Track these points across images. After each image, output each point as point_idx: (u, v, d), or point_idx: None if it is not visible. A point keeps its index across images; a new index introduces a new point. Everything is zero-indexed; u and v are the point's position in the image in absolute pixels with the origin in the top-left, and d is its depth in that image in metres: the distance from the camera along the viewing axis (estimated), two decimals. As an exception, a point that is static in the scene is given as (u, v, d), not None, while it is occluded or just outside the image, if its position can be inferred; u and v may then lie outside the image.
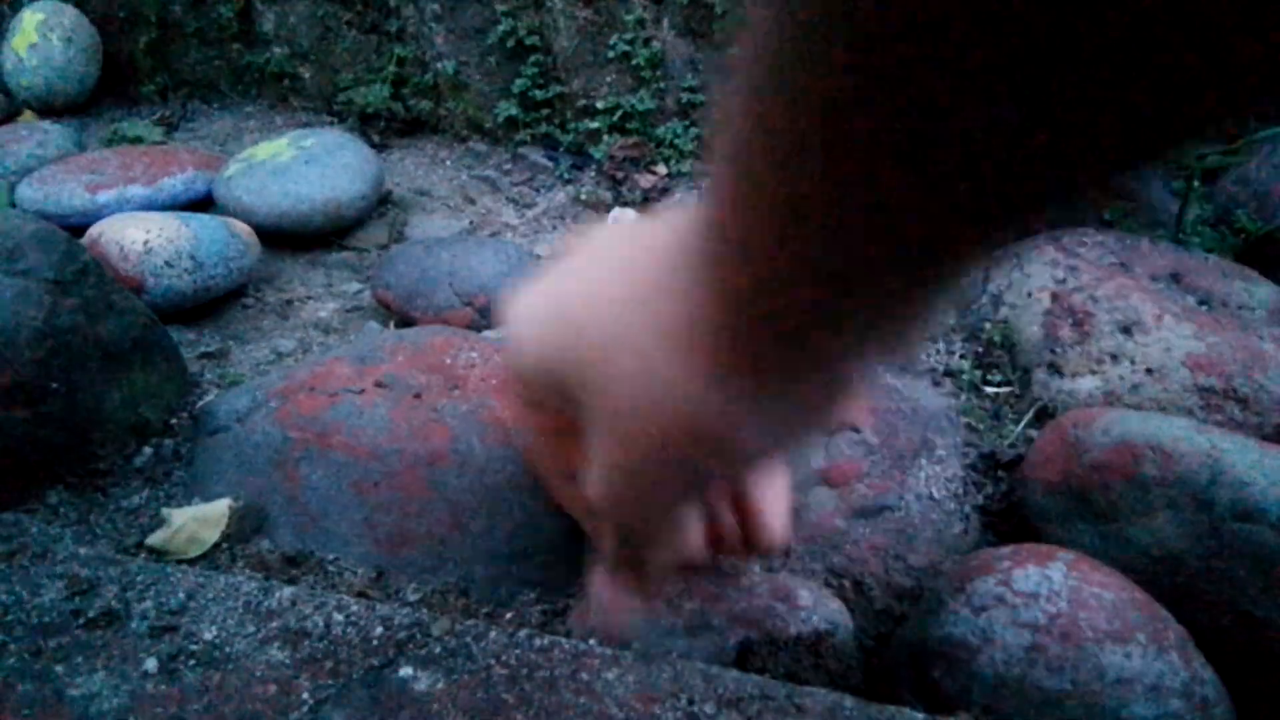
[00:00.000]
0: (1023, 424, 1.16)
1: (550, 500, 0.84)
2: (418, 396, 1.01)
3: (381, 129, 2.10)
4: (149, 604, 0.75)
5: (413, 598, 0.88)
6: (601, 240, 0.33)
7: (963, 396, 1.22)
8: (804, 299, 0.21)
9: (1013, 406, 1.20)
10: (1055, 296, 1.24)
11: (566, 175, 1.95)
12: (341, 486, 0.93)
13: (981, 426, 1.17)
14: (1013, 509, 1.03)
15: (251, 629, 0.73)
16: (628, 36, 1.91)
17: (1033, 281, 1.28)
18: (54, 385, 0.91)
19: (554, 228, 1.78)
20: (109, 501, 0.95)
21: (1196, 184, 1.42)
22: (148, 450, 1.01)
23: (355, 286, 1.56)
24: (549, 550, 0.93)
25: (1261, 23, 0.15)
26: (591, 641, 0.78)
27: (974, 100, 0.16)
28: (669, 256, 0.27)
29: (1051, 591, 0.75)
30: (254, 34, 2.21)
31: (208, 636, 0.72)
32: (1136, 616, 0.74)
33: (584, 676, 0.70)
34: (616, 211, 1.80)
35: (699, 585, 0.84)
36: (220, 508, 0.93)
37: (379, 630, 0.74)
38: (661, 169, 1.93)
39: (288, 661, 0.70)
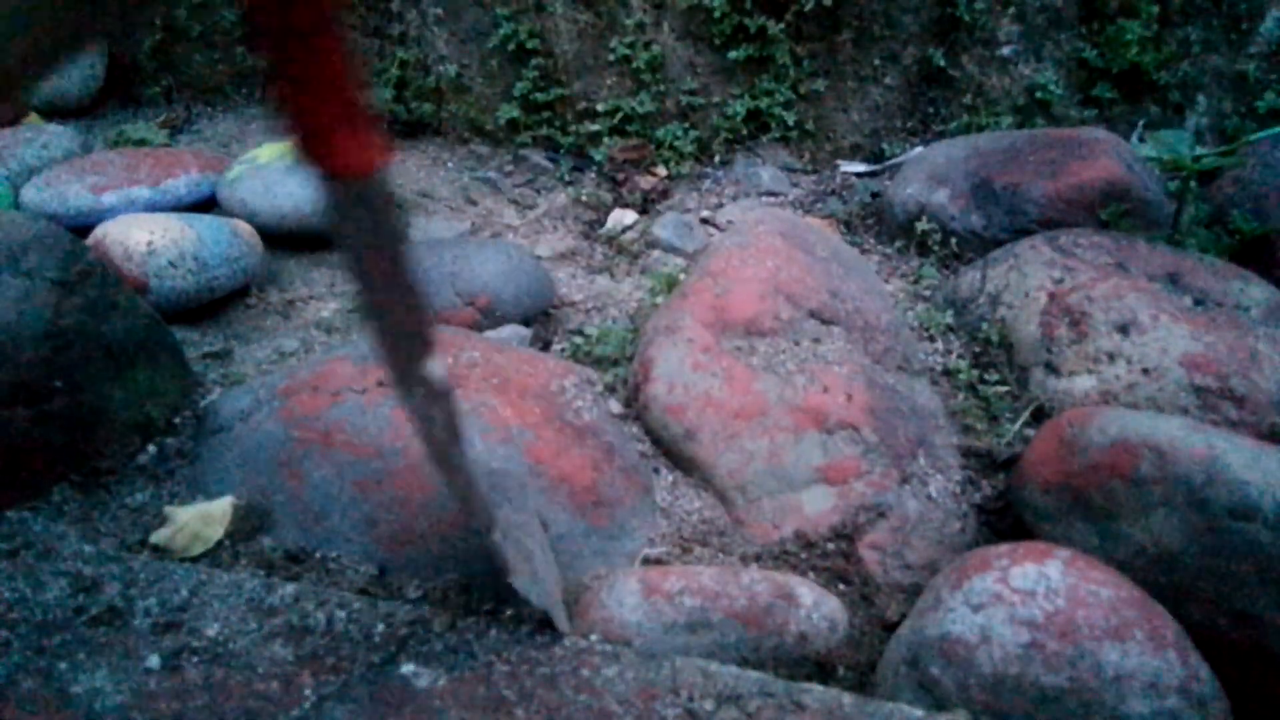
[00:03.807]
0: (1020, 423, 1.16)
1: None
2: (419, 396, 1.01)
3: (384, 131, 2.11)
4: (152, 601, 0.76)
5: (414, 595, 0.89)
6: None
7: (960, 396, 1.23)
8: None
9: (1010, 406, 1.21)
10: (1052, 296, 1.24)
11: (567, 177, 1.95)
12: (344, 485, 0.94)
13: (979, 426, 1.17)
14: (1010, 507, 1.04)
15: (254, 626, 0.74)
16: (628, 40, 1.92)
17: (1030, 281, 1.28)
18: (58, 384, 0.92)
19: (555, 229, 1.79)
20: (112, 499, 0.96)
21: (1193, 185, 1.42)
22: (151, 449, 1.02)
23: (357, 287, 1.57)
24: (550, 548, 0.94)
25: None
26: (593, 637, 0.78)
27: None
28: None
29: (1049, 589, 0.76)
30: (256, 37, 2.23)
31: (210, 633, 0.73)
32: (1134, 614, 0.75)
33: (584, 673, 0.70)
34: (617, 213, 1.81)
35: (701, 582, 0.85)
36: (223, 506, 0.94)
37: (381, 627, 0.74)
38: (661, 170, 1.94)
39: (290, 658, 0.71)
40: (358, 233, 0.50)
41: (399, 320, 0.57)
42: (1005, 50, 1.89)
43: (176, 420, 1.06)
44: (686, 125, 1.97)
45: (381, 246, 0.52)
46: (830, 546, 0.98)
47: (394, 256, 0.52)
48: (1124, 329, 1.16)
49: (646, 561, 0.96)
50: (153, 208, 1.60)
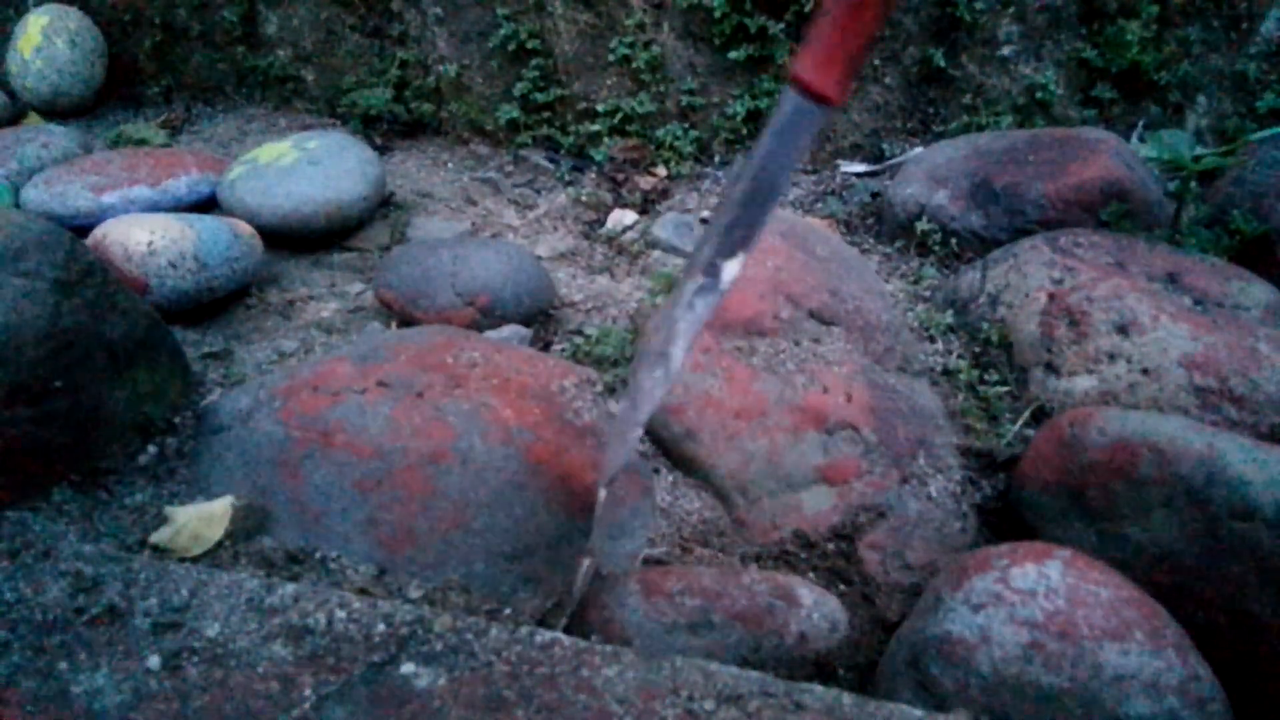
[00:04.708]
0: (1020, 423, 1.16)
1: None
2: (419, 395, 1.01)
3: (383, 131, 2.11)
4: (152, 601, 0.76)
5: (414, 595, 0.89)
6: None
7: (960, 396, 1.23)
8: None
9: (1010, 406, 1.21)
10: (1052, 297, 1.24)
11: (567, 177, 1.95)
12: (343, 485, 0.94)
13: (979, 426, 1.17)
14: (1010, 508, 1.04)
15: (254, 626, 0.74)
16: (628, 40, 1.92)
17: (1030, 282, 1.29)
18: (58, 384, 0.92)
19: (555, 229, 1.79)
20: (112, 500, 0.96)
21: (1193, 185, 1.42)
22: (151, 449, 1.02)
23: (358, 287, 1.57)
24: (550, 548, 0.94)
25: None
26: (593, 637, 0.78)
27: None
28: None
29: (1049, 589, 0.76)
30: (257, 37, 2.22)
31: (210, 633, 0.73)
32: (1134, 614, 0.75)
33: (584, 673, 0.70)
34: (617, 213, 1.81)
35: (701, 583, 0.85)
36: (223, 506, 0.94)
37: (381, 627, 0.74)
38: (661, 170, 1.94)
39: (290, 658, 0.71)
40: (781, 135, 0.64)
41: (737, 217, 0.69)
42: (1005, 50, 1.89)
43: (176, 420, 1.06)
44: (686, 125, 1.97)
45: (784, 161, 0.66)
46: (830, 546, 0.98)
47: (782, 171, 0.67)
48: (1124, 329, 1.16)
49: (647, 562, 0.96)
50: (153, 208, 1.60)
